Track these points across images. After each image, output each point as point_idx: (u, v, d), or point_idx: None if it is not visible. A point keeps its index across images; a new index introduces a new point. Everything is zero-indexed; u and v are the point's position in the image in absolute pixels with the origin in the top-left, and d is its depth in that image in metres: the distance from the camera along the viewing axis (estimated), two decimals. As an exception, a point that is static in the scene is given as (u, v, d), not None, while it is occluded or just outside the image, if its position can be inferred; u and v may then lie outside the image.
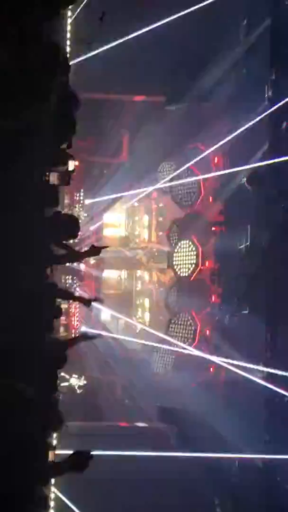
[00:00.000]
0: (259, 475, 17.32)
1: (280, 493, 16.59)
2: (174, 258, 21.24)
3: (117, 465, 15.62)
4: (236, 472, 17.97)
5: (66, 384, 21.31)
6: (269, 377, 16.99)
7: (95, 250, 7.52)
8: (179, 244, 21.19)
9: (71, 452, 6.20)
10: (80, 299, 7.21)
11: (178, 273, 21.08)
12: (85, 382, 22.57)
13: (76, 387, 22.25)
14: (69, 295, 7.05)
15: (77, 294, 7.53)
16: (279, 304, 17.66)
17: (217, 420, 17.77)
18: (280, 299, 17.59)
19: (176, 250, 21.11)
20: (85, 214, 23.89)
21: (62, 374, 20.50)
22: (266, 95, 17.66)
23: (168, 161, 23.33)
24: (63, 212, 6.83)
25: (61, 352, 6.09)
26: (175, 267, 21.04)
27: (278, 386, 16.73)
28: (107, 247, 7.96)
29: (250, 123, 18.13)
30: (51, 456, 7.64)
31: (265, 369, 17.35)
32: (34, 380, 5.36)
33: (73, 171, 8.51)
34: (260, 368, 17.68)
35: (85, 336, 7.04)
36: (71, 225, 6.47)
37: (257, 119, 17.84)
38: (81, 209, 24.24)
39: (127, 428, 20.74)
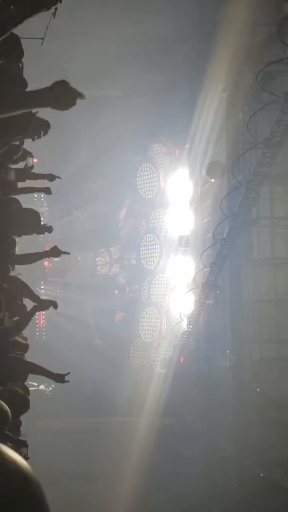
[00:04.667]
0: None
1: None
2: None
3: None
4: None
5: (35, 389, 21.27)
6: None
7: (56, 251, 7.51)
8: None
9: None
10: (37, 300, 7.14)
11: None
12: (53, 386, 22.61)
13: (46, 391, 22.29)
14: (29, 293, 6.96)
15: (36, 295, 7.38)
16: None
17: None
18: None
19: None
20: (47, 208, 23.92)
21: (30, 382, 20.51)
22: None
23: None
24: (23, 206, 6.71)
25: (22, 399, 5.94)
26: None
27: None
28: (69, 253, 7.93)
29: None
30: (23, 452, 7.53)
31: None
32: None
33: (31, 167, 8.41)
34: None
35: (40, 305, 6.97)
36: (32, 219, 6.40)
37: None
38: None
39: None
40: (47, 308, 7.11)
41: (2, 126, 4.64)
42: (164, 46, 19.84)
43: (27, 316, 6.75)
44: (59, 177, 7.67)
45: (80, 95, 3.64)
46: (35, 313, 6.90)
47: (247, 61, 16.33)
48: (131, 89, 21.97)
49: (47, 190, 7.90)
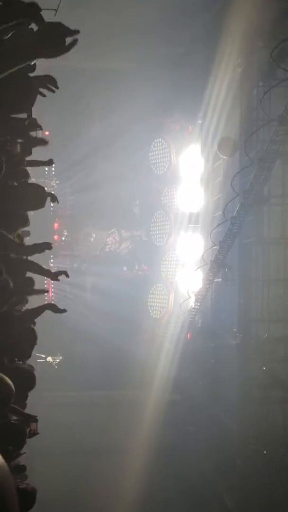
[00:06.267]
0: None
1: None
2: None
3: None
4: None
5: (42, 361, 21.49)
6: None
7: (47, 246, 7.19)
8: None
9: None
10: (48, 273, 7.07)
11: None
12: (61, 357, 22.80)
13: (54, 363, 22.48)
14: (38, 268, 6.91)
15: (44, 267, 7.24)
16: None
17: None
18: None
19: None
20: (57, 181, 23.84)
21: (38, 354, 20.73)
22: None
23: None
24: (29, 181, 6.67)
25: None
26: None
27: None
28: (67, 274, 7.57)
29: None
30: (32, 427, 7.59)
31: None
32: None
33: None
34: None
35: (52, 306, 6.91)
36: (38, 195, 6.37)
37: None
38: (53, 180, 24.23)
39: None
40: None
41: (6, 100, 4.59)
42: (179, 19, 19.56)
43: (40, 308, 6.77)
44: (53, 162, 7.83)
45: (73, 33, 3.52)
46: (45, 309, 6.82)
47: (262, 37, 16.06)
48: (145, 62, 21.74)
49: (49, 162, 7.88)
